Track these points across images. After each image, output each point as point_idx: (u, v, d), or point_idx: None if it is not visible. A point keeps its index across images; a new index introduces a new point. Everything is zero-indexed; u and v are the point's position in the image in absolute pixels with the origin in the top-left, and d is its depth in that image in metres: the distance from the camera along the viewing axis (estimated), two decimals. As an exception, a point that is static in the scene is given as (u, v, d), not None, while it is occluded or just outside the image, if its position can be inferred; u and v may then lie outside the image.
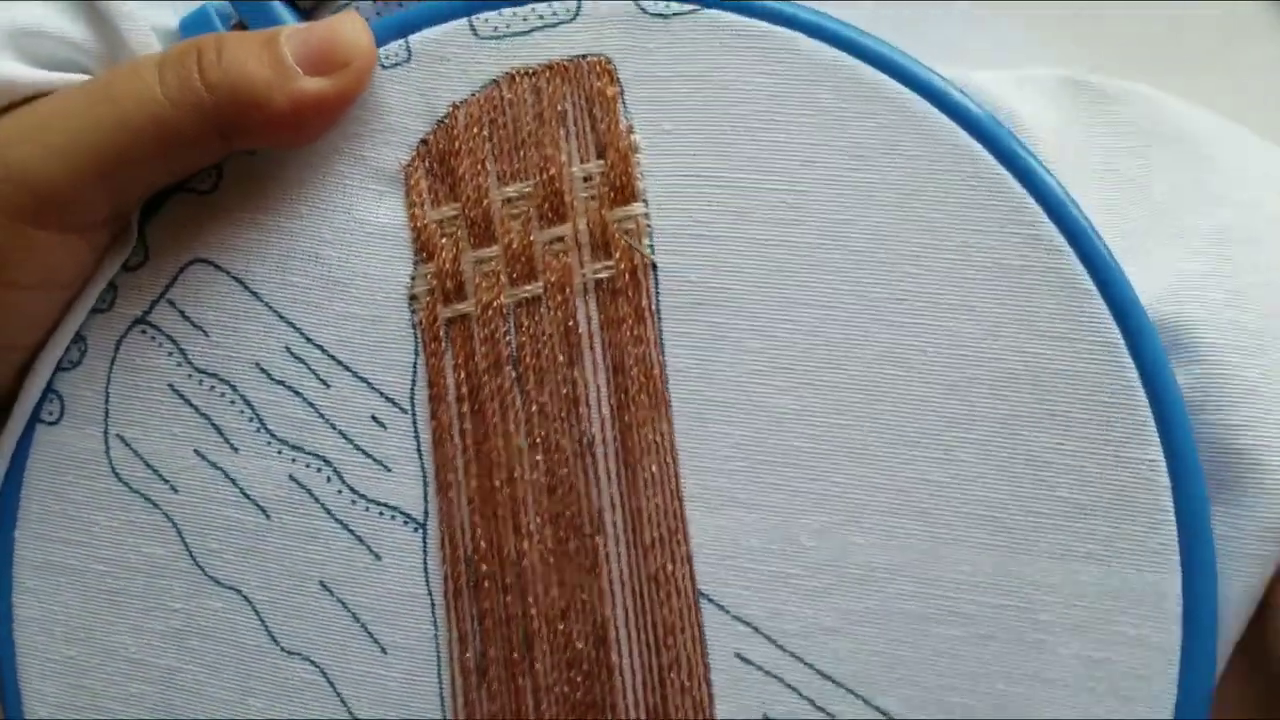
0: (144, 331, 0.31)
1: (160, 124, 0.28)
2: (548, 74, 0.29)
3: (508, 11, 0.29)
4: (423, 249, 0.30)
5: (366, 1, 0.31)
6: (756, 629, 0.28)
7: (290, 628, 0.30)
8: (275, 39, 0.28)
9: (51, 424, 0.31)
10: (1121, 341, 0.27)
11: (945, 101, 0.28)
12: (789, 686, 0.28)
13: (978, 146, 0.28)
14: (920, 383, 0.27)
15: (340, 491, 0.30)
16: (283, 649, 0.30)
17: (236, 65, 0.28)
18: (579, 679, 0.28)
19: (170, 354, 0.30)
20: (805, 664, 0.28)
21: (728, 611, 0.28)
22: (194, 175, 0.30)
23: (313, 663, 0.30)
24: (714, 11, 0.29)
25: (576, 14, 0.29)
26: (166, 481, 0.30)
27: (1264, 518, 0.27)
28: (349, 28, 0.29)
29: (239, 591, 0.30)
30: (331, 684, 0.29)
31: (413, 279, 0.30)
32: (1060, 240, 0.27)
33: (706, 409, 0.28)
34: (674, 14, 0.29)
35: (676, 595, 0.28)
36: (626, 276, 0.29)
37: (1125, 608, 0.27)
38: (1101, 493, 0.27)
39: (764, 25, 0.28)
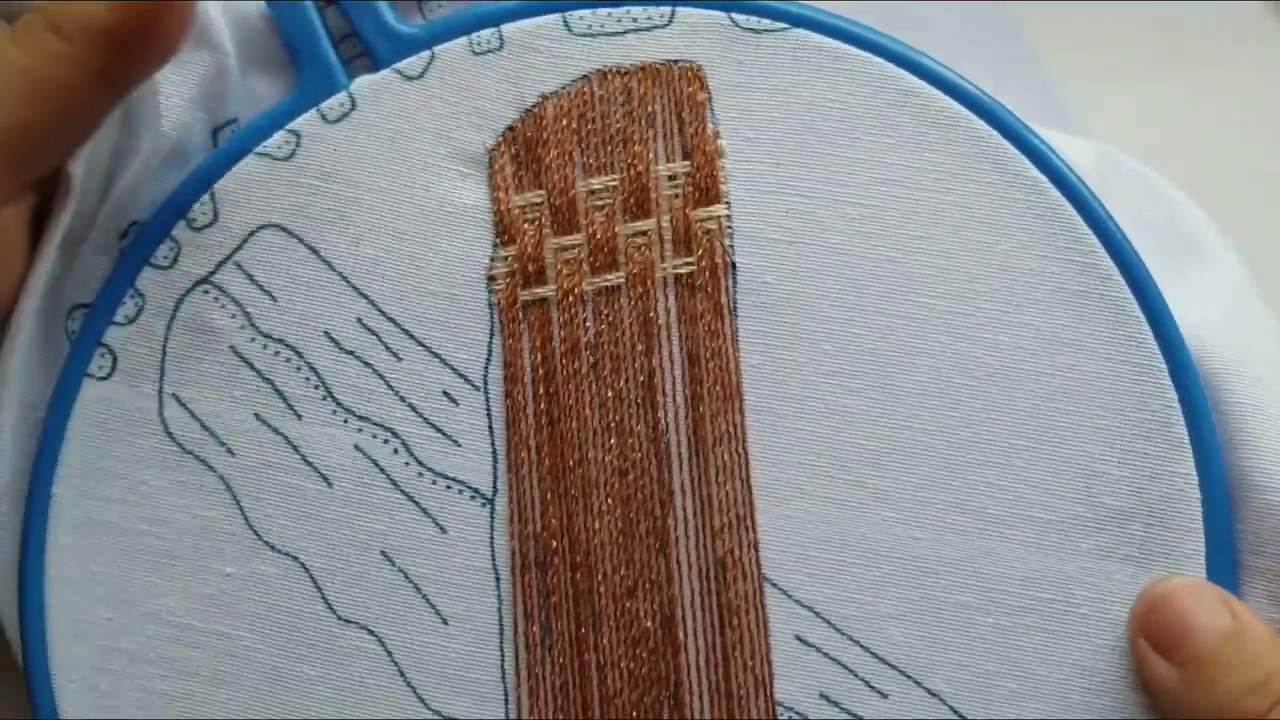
0: (207, 292, 0.30)
1: (40, 88, 0.27)
2: (640, 74, 0.31)
3: (602, 11, 0.31)
4: (504, 232, 0.30)
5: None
6: (817, 613, 0.30)
7: (349, 596, 0.30)
8: None
9: (101, 379, 0.30)
10: (1164, 365, 0.30)
11: (1015, 134, 0.30)
12: (845, 668, 0.29)
13: (1044, 179, 0.30)
14: (982, 391, 0.30)
15: (408, 464, 0.30)
16: (340, 617, 0.30)
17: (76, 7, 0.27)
18: (645, 655, 0.29)
19: (234, 316, 0.30)
20: (862, 647, 0.29)
21: (790, 595, 0.30)
22: (269, 140, 0.31)
23: (371, 632, 0.30)
24: (803, 31, 0.31)
25: (671, 20, 0.31)
26: (223, 444, 0.30)
27: (1253, 531, 0.30)
28: None
29: (296, 558, 0.30)
30: (389, 653, 0.30)
31: (492, 260, 0.30)
32: (1114, 270, 0.30)
33: (778, 404, 0.30)
34: (764, 30, 0.31)
35: (743, 579, 0.30)
36: (706, 274, 0.30)
37: None
38: (1140, 501, 0.29)
39: (849, 48, 0.31)
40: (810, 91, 0.31)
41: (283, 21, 0.31)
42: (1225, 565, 0.29)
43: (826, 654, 0.29)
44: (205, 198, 0.31)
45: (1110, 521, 0.29)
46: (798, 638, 0.30)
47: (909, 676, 0.29)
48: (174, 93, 0.30)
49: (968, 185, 0.30)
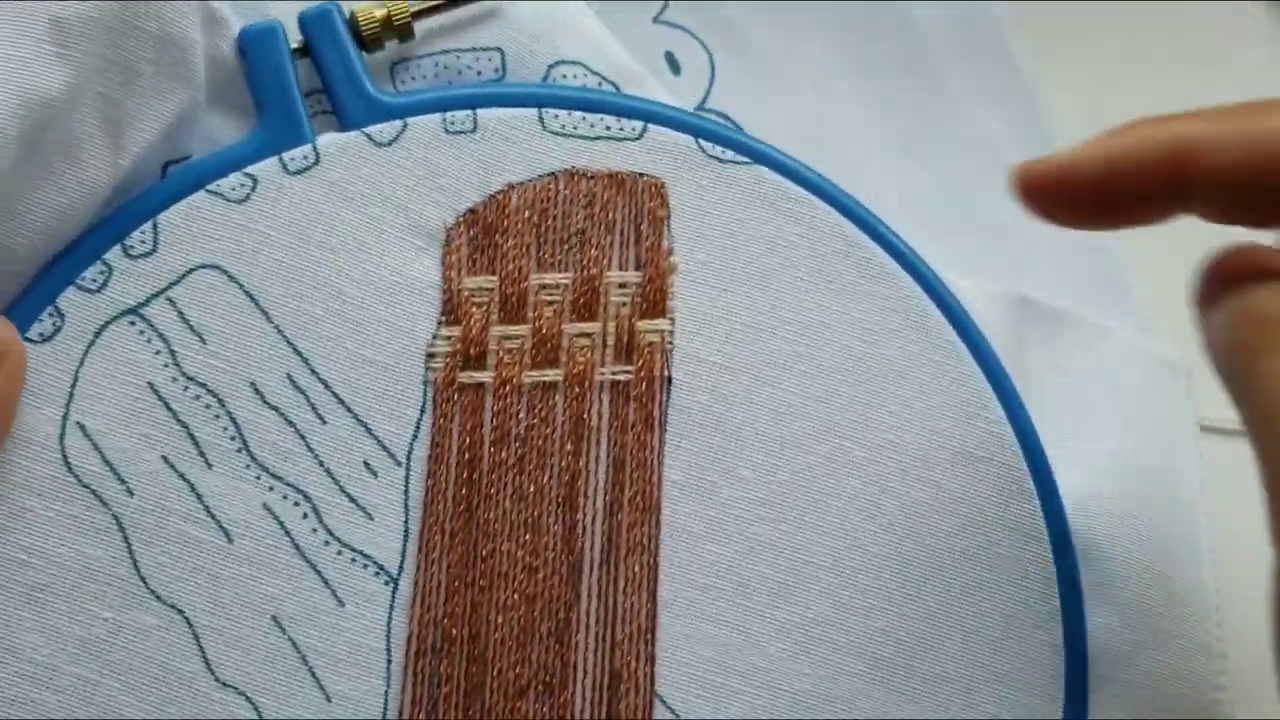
0: (133, 323, 0.30)
1: None
2: (606, 181, 0.32)
3: (578, 114, 0.32)
4: (451, 311, 0.31)
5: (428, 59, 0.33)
6: (701, 738, 0.30)
7: (230, 659, 0.29)
8: None
9: (3, 394, 0.29)
10: (1048, 538, 0.32)
11: (939, 298, 0.33)
12: (721, 798, 0.30)
13: (962, 346, 0.33)
14: (884, 540, 0.31)
15: (315, 530, 0.30)
16: (218, 679, 0.29)
17: None
18: (529, 760, 0.30)
19: (158, 353, 0.30)
20: (740, 778, 0.30)
21: (677, 715, 0.30)
22: (224, 180, 0.30)
23: (249, 699, 0.29)
24: (764, 169, 0.33)
25: (642, 134, 0.32)
26: (124, 482, 0.29)
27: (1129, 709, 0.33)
28: None
29: (181, 611, 0.29)
30: (264, 725, 0.29)
31: (434, 338, 0.31)
32: (1015, 444, 0.32)
33: (693, 523, 0.31)
34: (729, 160, 0.32)
35: (635, 692, 0.30)
36: (644, 384, 0.31)
37: None
38: (1012, 666, 0.31)
39: (803, 193, 0.33)
40: (764, 228, 0.32)
41: (255, 64, 0.32)
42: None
43: (705, 778, 0.30)
44: (147, 227, 0.30)
45: (986, 681, 0.31)
46: None
47: (781, 812, 0.30)
48: (147, 127, 0.30)
49: (895, 341, 0.32)
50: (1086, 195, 0.28)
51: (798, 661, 0.31)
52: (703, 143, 0.33)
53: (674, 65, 0.40)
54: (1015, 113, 0.41)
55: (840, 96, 0.41)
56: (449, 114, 0.32)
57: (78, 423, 0.29)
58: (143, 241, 0.30)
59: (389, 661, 0.30)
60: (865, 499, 0.32)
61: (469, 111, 0.32)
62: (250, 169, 0.31)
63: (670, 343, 0.32)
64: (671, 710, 0.30)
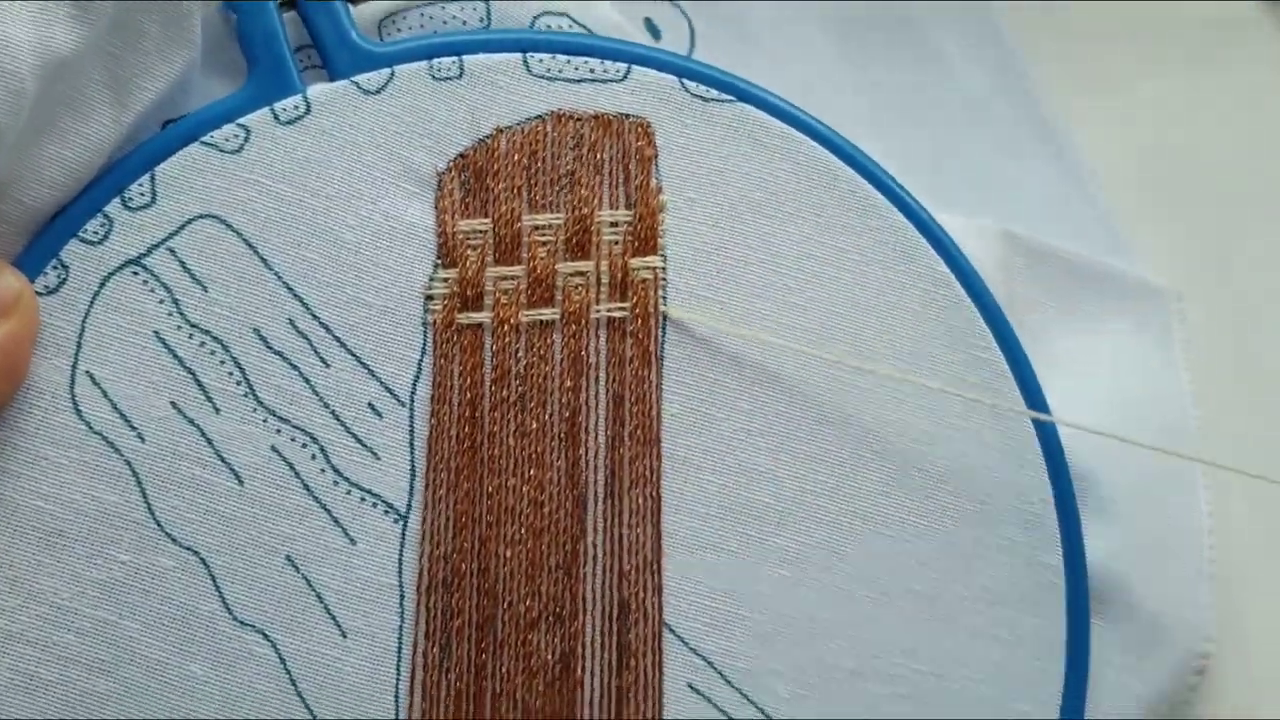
0: (136, 274, 0.32)
1: None
2: (593, 123, 0.34)
3: (562, 58, 0.34)
4: (447, 254, 0.33)
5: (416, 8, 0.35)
6: (710, 663, 0.32)
7: (247, 598, 0.31)
8: None
9: (10, 347, 0.31)
10: (1043, 462, 0.34)
11: (926, 228, 0.35)
12: (730, 718, 0.32)
13: (951, 275, 0.35)
14: (879, 466, 0.34)
15: (324, 470, 0.32)
16: (235, 618, 0.31)
17: None
18: (541, 687, 0.32)
19: (162, 302, 0.32)
20: (749, 700, 0.32)
21: (686, 643, 0.32)
22: (217, 131, 0.32)
23: (266, 636, 0.31)
24: (747, 106, 0.35)
25: (626, 76, 0.34)
26: (134, 428, 0.31)
27: (1126, 633, 0.35)
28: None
29: (196, 553, 0.31)
30: (282, 660, 0.31)
31: (431, 280, 0.33)
32: (1006, 369, 0.35)
33: (693, 455, 0.33)
34: (712, 99, 0.34)
35: (644, 621, 0.32)
36: (639, 320, 0.33)
37: (1020, 689, 0.33)
38: (1013, 588, 0.34)
39: (787, 128, 0.35)
40: (750, 164, 0.34)
41: (243, 20, 0.34)
42: (1082, 655, 0.34)
43: (714, 703, 0.32)
44: (145, 179, 0.32)
45: (984, 602, 0.33)
46: (689, 685, 0.32)
47: (790, 731, 0.33)
48: (150, 86, 0.32)
49: (882, 271, 0.35)
50: None
51: (801, 587, 0.33)
52: (686, 82, 0.35)
53: (654, 31, 0.42)
54: (1000, 79, 0.43)
55: (823, 65, 0.43)
56: (435, 61, 0.34)
57: (86, 371, 0.31)
58: (141, 194, 0.32)
59: (401, 597, 0.32)
60: (858, 426, 0.34)
61: (455, 58, 0.34)
62: (243, 120, 0.33)
63: (663, 279, 0.34)
64: (680, 638, 0.33)
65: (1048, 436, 0.35)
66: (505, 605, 0.32)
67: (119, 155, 0.33)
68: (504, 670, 0.32)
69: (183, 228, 0.32)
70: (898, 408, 0.34)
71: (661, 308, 0.34)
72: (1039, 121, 0.42)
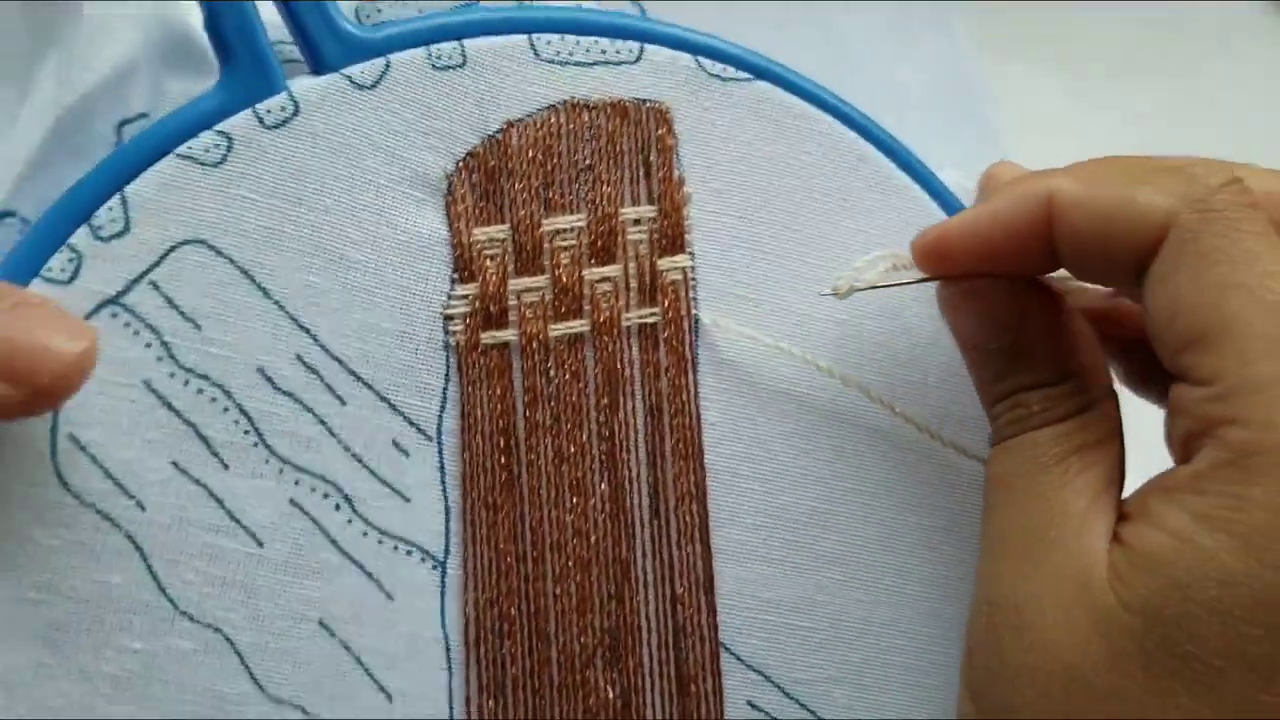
0: (115, 315, 0.25)
1: None
2: (609, 111, 0.28)
3: (571, 39, 0.28)
4: (464, 267, 0.27)
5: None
6: (767, 677, 0.28)
7: (280, 673, 0.25)
8: None
9: (-25, 414, 0.24)
10: None
11: (951, 207, 0.31)
12: (792, 732, 0.28)
13: (975, 254, 0.30)
14: (919, 461, 0.30)
15: (350, 521, 0.26)
16: (269, 696, 0.25)
17: None
18: (604, 727, 0.27)
19: (149, 345, 0.25)
20: (809, 710, 0.29)
21: (743, 661, 0.28)
22: (194, 141, 0.25)
23: (305, 711, 0.25)
24: (766, 85, 0.29)
25: (639, 57, 0.28)
26: (132, 497, 0.25)
27: None
28: (38, 336, 0.22)
29: (219, 630, 0.25)
30: (327, 735, 0.25)
31: (450, 298, 0.27)
32: None
33: (735, 463, 0.28)
34: (730, 79, 0.29)
35: (701, 645, 0.28)
36: (671, 326, 0.28)
37: None
38: None
39: (809, 107, 0.30)
40: (774, 148, 0.29)
41: (213, 10, 0.26)
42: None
43: (775, 718, 0.28)
44: (114, 202, 0.25)
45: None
46: (749, 702, 0.28)
47: (850, 737, 0.29)
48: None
49: None
50: (971, 257, 0.27)
51: (852, 589, 0.29)
52: (702, 61, 0.29)
53: None
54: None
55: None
56: (434, 47, 0.27)
57: (70, 435, 0.25)
58: (112, 220, 0.25)
59: (448, 650, 0.27)
60: (897, 420, 0.30)
61: (455, 43, 0.27)
62: (222, 126, 0.26)
63: (693, 279, 0.29)
64: (736, 656, 0.28)
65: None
66: (559, 645, 0.27)
67: (71, 160, 0.26)
68: (563, 714, 0.27)
69: (165, 257, 0.25)
70: (931, 396, 0.30)
71: (694, 311, 0.29)
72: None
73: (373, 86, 0.27)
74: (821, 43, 0.39)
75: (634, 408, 0.28)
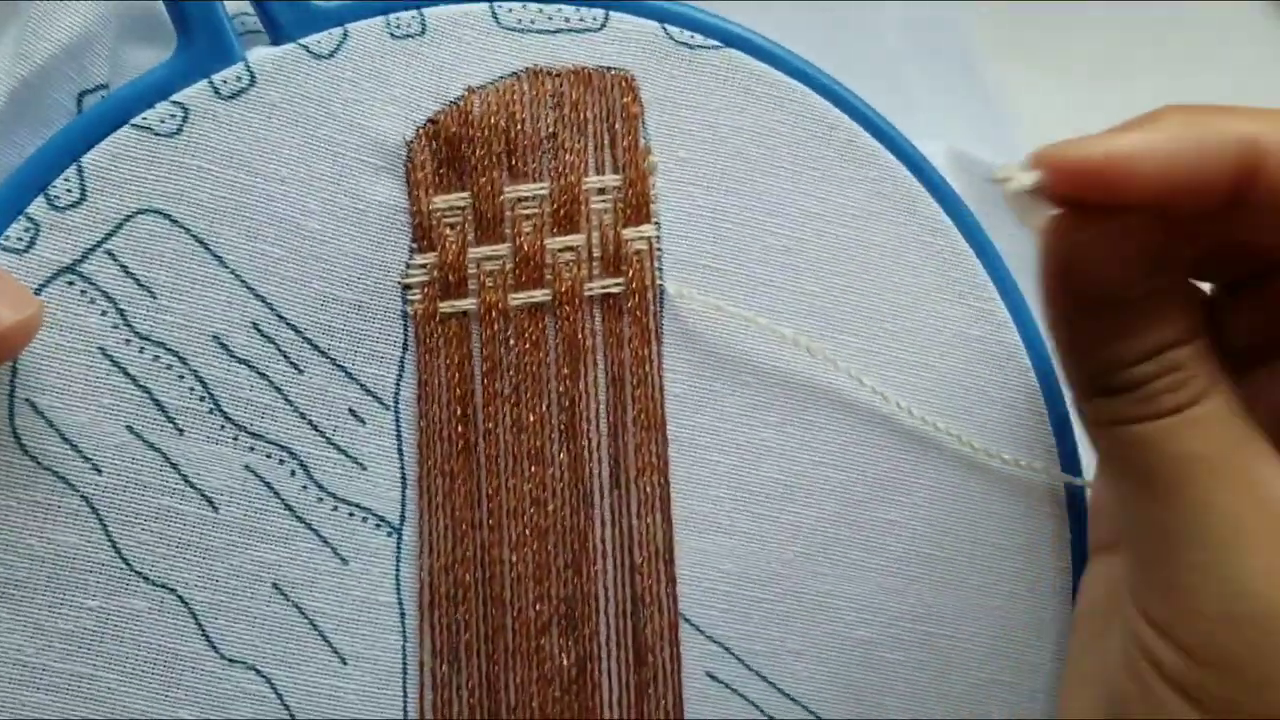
0: (71, 283, 0.25)
1: None
2: (572, 78, 0.28)
3: (533, 7, 0.28)
4: (423, 236, 0.27)
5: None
6: (727, 649, 0.28)
7: (234, 633, 0.26)
8: None
9: (-65, 379, 0.24)
10: (1048, 414, 0.30)
11: (925, 177, 0.30)
12: (752, 703, 0.28)
13: (951, 225, 0.30)
14: (886, 435, 0.29)
15: (305, 487, 0.26)
16: (223, 656, 0.26)
17: None
18: (557, 694, 0.27)
19: (105, 313, 0.25)
20: (768, 683, 0.28)
21: (702, 631, 0.28)
22: (150, 111, 0.25)
23: (259, 672, 0.26)
24: (735, 52, 0.29)
25: (604, 24, 0.28)
26: (88, 460, 0.25)
27: None
28: None
29: (173, 591, 0.25)
30: (279, 695, 0.26)
31: (408, 267, 0.27)
32: (1009, 319, 0.30)
33: (698, 435, 0.28)
34: (698, 46, 0.28)
35: (659, 615, 0.28)
36: (635, 296, 0.28)
37: (1032, 637, 0.30)
38: (1025, 536, 0.30)
39: (779, 75, 0.29)
40: (742, 117, 0.29)
41: (169, -27, 0.26)
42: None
43: (735, 690, 0.28)
44: (71, 172, 0.25)
45: (991, 558, 0.30)
46: (708, 674, 0.28)
47: (811, 712, 0.28)
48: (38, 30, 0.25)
49: (883, 225, 0.29)
50: (1135, 194, 0.22)
51: (815, 562, 0.29)
52: (669, 28, 0.28)
53: None
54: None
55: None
56: (393, 16, 0.27)
57: (27, 400, 0.25)
58: (69, 190, 0.25)
59: (402, 615, 0.27)
60: (866, 396, 0.29)
61: (415, 12, 0.27)
62: (178, 96, 0.26)
63: (658, 249, 0.28)
64: (696, 627, 0.28)
65: (1050, 391, 0.31)
66: (514, 612, 0.27)
67: (30, 136, 0.26)
68: (518, 680, 0.27)
69: (120, 226, 0.25)
70: (900, 368, 0.29)
71: (659, 281, 0.29)
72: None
73: (330, 56, 0.27)
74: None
75: (595, 378, 0.28)
